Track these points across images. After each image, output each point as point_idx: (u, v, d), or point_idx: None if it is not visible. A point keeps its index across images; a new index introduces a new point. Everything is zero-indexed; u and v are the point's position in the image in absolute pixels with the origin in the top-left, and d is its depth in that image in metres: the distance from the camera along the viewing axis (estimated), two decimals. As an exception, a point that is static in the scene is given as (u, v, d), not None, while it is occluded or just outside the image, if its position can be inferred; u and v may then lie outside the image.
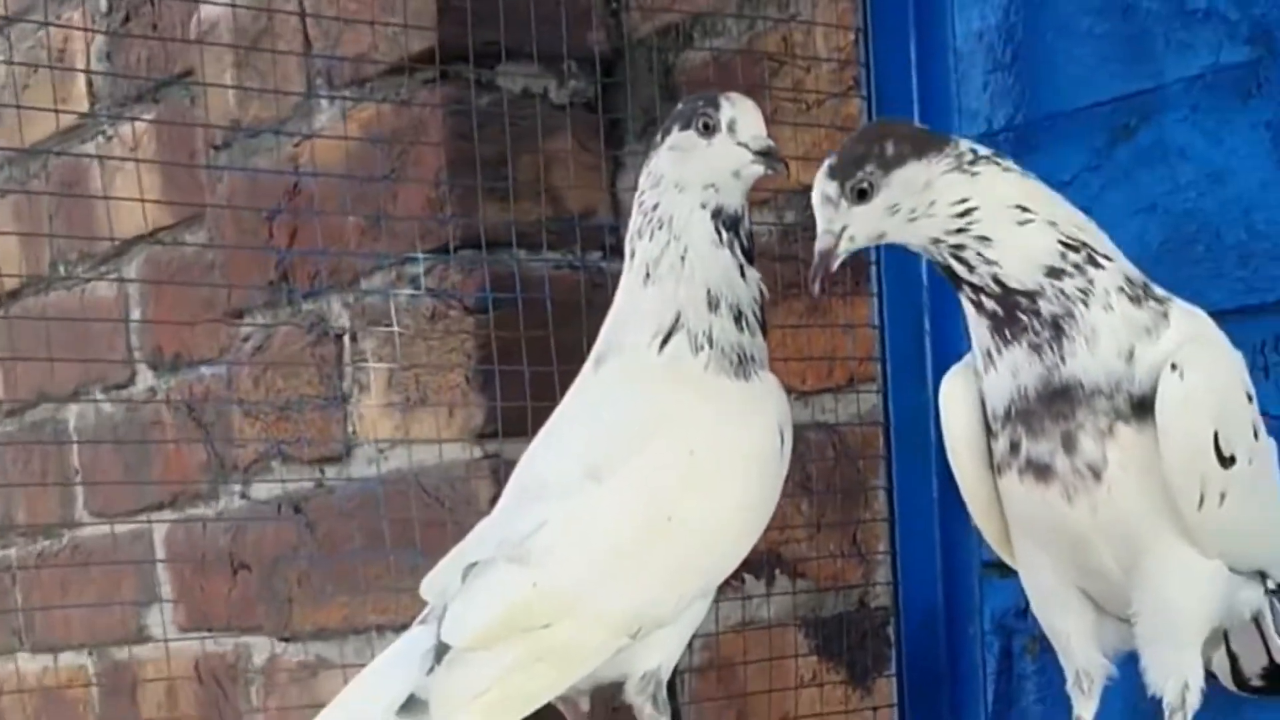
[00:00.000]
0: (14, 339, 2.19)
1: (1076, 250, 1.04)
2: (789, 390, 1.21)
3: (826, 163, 1.06)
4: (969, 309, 1.05)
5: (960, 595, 1.46)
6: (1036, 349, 1.03)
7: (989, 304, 1.04)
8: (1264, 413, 1.10)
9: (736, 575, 1.29)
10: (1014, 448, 1.05)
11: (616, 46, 1.67)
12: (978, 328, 1.05)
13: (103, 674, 2.17)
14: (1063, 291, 1.03)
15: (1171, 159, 1.31)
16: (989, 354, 1.05)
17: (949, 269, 1.05)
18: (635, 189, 1.21)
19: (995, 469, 1.07)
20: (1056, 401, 1.03)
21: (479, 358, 1.56)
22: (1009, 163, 1.06)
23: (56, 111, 1.79)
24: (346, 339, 1.68)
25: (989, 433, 1.07)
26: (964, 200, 1.03)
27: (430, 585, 1.16)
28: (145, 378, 2.09)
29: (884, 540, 1.51)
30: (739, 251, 1.18)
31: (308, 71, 1.68)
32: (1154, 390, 1.02)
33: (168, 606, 2.03)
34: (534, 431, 1.22)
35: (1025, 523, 1.09)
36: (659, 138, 1.19)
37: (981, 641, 1.45)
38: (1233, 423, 1.04)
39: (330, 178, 1.64)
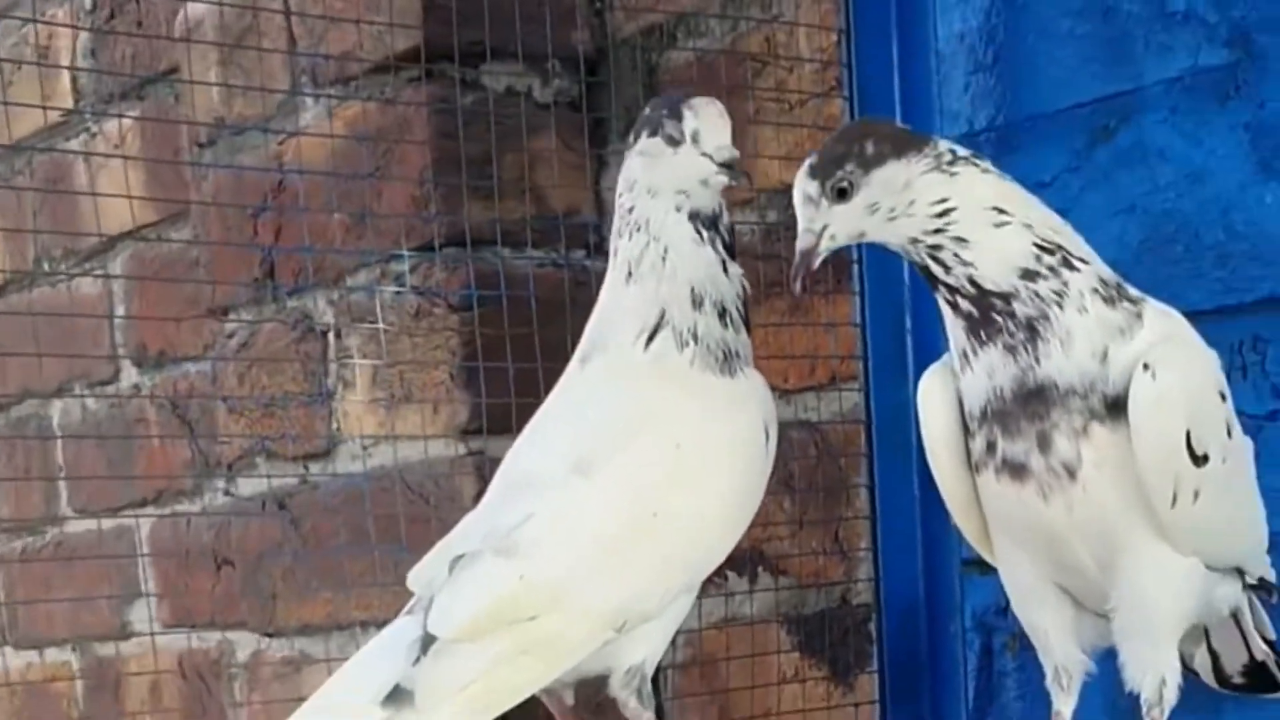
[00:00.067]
0: (-2, 335, 2.19)
1: (1052, 253, 1.04)
2: (772, 388, 1.22)
3: (807, 162, 1.06)
4: (945, 309, 1.06)
5: (941, 592, 1.47)
6: (1011, 350, 1.03)
7: (965, 305, 1.04)
8: (1241, 412, 1.11)
9: (719, 572, 1.29)
10: (990, 447, 1.06)
11: (600, 46, 1.67)
12: (954, 328, 1.06)
13: (87, 669, 2.17)
14: (1037, 294, 1.03)
15: (1151, 160, 1.32)
16: (965, 354, 1.05)
17: (926, 269, 1.05)
18: (617, 188, 1.21)
19: (973, 468, 1.08)
20: (1031, 402, 1.03)
21: (463, 355, 1.57)
22: (987, 164, 1.06)
23: (44, 108, 1.79)
24: (331, 336, 1.69)
25: (967, 432, 1.08)
26: (943, 200, 1.04)
27: (417, 577, 1.17)
28: (130, 374, 2.09)
29: (865, 537, 1.52)
30: (720, 248, 1.18)
31: (293, 69, 1.69)
32: (1128, 390, 1.02)
33: (152, 602, 2.03)
34: (518, 428, 1.23)
35: (1003, 521, 1.09)
36: (631, 139, 1.20)
37: (962, 638, 1.46)
38: (1205, 422, 1.04)
39: (315, 175, 1.64)
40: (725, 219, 1.19)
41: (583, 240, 1.63)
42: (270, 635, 1.78)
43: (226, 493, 1.86)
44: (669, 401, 1.16)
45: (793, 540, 1.56)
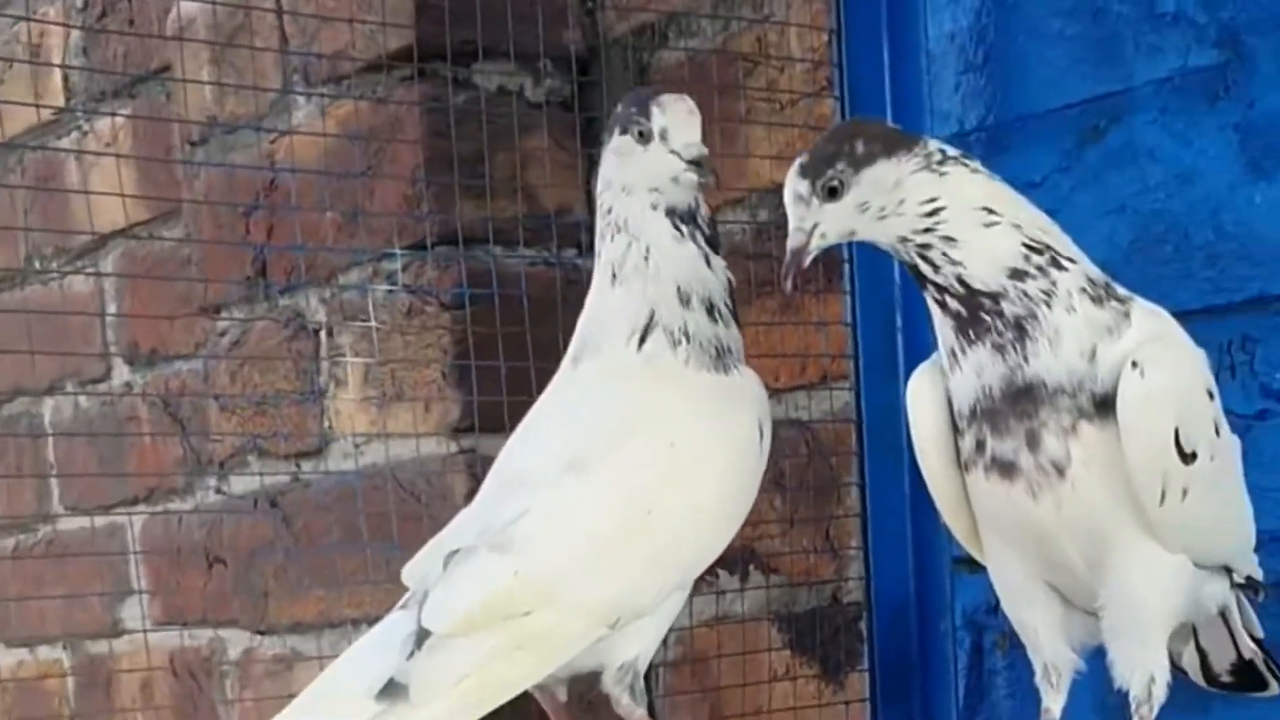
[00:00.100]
0: (-10, 333, 2.19)
1: (1040, 253, 1.04)
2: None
3: (798, 161, 1.06)
4: (934, 309, 1.06)
5: (932, 591, 1.47)
6: (1000, 349, 1.04)
7: (953, 304, 1.05)
8: (1230, 412, 1.11)
9: (711, 570, 1.30)
10: (979, 446, 1.06)
11: (592, 46, 1.68)
12: (943, 327, 1.06)
13: (78, 667, 2.17)
14: (1025, 293, 1.04)
15: (1140, 160, 1.32)
16: (954, 353, 1.06)
17: (915, 268, 1.06)
18: (597, 186, 1.22)
19: (962, 466, 1.08)
20: (1020, 400, 1.04)
21: (455, 353, 1.57)
22: (977, 164, 1.07)
23: (35, 106, 1.79)
24: (323, 334, 1.69)
25: (956, 431, 1.08)
26: (932, 200, 1.04)
27: (411, 572, 1.17)
28: (121, 372, 2.09)
29: (856, 536, 1.52)
30: (702, 242, 1.18)
31: (285, 68, 1.69)
32: (1116, 388, 1.02)
33: (143, 600, 2.03)
34: (510, 427, 1.23)
35: (992, 519, 1.10)
36: (605, 137, 1.20)
37: (953, 636, 1.46)
38: (1194, 420, 1.05)
39: (307, 174, 1.64)
40: (704, 211, 1.19)
41: (574, 239, 1.64)
42: (262, 633, 1.78)
43: (218, 490, 1.87)
44: (663, 401, 1.16)
45: (784, 539, 1.57)
